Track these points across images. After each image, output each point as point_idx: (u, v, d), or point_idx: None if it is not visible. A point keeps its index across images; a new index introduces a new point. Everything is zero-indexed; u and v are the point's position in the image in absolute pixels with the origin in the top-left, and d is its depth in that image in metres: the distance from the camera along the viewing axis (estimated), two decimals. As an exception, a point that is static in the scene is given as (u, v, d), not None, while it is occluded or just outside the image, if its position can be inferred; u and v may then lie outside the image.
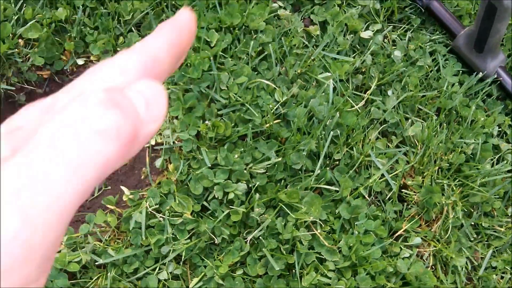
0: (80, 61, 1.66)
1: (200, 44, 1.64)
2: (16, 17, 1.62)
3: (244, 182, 1.53)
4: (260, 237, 1.49)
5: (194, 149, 1.56)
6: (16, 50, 1.62)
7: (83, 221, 1.56)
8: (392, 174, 1.63)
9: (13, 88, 1.64)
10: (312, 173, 1.55)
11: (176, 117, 1.61)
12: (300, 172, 1.56)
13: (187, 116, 1.58)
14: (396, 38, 1.84)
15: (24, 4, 1.66)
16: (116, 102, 0.33)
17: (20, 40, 1.63)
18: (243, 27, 1.71)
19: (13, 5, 1.63)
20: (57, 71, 1.68)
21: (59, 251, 1.46)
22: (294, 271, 1.50)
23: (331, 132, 1.58)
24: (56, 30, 1.65)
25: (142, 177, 1.64)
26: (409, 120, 1.73)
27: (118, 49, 1.65)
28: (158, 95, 0.36)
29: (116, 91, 0.34)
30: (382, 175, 1.63)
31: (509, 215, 1.68)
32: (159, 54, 0.39)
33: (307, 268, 1.51)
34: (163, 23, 0.41)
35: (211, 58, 1.61)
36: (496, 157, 1.73)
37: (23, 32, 1.62)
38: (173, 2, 1.70)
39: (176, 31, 0.41)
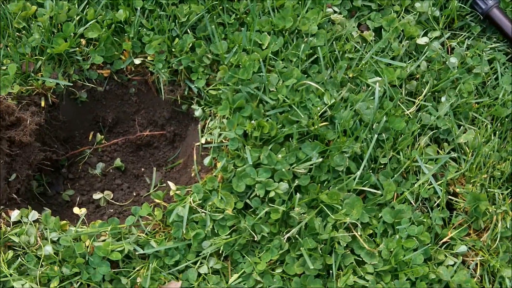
0: (137, 61, 1.73)
1: (251, 46, 1.68)
2: (78, 18, 1.72)
3: (286, 181, 1.55)
4: (299, 237, 1.51)
5: (239, 147, 1.60)
6: (78, 49, 1.71)
7: (129, 214, 1.62)
8: (441, 182, 1.60)
9: (72, 84, 1.73)
10: (355, 176, 1.55)
11: (225, 117, 1.65)
12: (343, 173, 1.56)
13: (235, 115, 1.62)
14: (455, 45, 1.81)
15: (87, 6, 1.75)
16: None
17: (82, 40, 1.72)
18: (295, 30, 1.74)
19: (76, 5, 1.73)
20: (117, 70, 1.76)
21: (103, 240, 1.53)
22: (331, 272, 1.50)
23: (376, 135, 1.57)
24: (115, 31, 1.73)
25: (193, 174, 1.69)
26: (462, 127, 1.69)
27: (172, 49, 1.71)
28: None
29: None
30: (430, 182, 1.60)
31: None
32: None
33: (345, 269, 1.51)
34: None
35: (261, 60, 1.64)
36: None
37: (85, 32, 1.71)
38: (227, 6, 1.75)
39: None
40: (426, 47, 1.79)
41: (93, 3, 1.75)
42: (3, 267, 1.44)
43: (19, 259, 1.47)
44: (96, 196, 1.75)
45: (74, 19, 1.71)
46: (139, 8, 1.73)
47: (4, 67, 1.65)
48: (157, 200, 1.61)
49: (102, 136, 1.85)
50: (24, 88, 1.65)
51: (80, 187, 1.80)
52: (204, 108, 1.72)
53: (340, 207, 1.52)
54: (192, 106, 1.75)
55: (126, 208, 1.72)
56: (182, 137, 1.85)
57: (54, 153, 1.73)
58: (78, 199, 1.76)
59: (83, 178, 1.82)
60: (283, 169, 1.53)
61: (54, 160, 1.75)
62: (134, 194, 1.78)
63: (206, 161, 1.64)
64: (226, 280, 1.54)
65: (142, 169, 1.85)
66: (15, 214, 1.52)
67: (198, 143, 1.69)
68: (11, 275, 1.43)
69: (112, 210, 1.73)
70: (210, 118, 1.71)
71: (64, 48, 1.66)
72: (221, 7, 1.75)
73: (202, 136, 1.69)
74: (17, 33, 1.72)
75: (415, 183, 1.61)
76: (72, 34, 1.70)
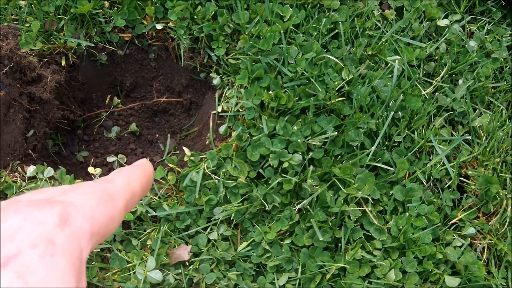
0: (159, 26, 1.74)
1: (273, 17, 1.68)
2: (102, -21, 1.73)
3: (300, 153, 1.56)
4: (310, 208, 1.52)
5: (256, 117, 1.61)
6: (101, 11, 1.71)
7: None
8: (453, 163, 1.61)
9: (93, 46, 1.74)
10: (368, 151, 1.56)
11: (243, 86, 1.66)
12: (356, 149, 1.57)
13: (253, 85, 1.62)
14: (475, 30, 1.81)
15: (112, -32, 1.76)
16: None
17: (105, 2, 1.73)
18: (318, 4, 1.74)
19: (101, -33, 1.74)
20: (138, 34, 1.76)
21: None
22: (340, 245, 1.51)
23: (392, 113, 1.58)
24: (139, -5, 1.74)
25: (207, 142, 1.70)
26: (477, 111, 1.70)
27: (195, 16, 1.71)
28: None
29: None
30: (443, 164, 1.61)
31: None
32: (135, 193, 0.56)
33: (353, 244, 1.53)
34: (133, 167, 0.60)
35: (282, 32, 1.65)
36: None
37: (108, -6, 1.72)
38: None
39: (146, 178, 0.60)
40: (446, 29, 1.79)
41: (118, -34, 1.75)
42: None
43: (33, 213, 1.49)
44: (110, 159, 1.77)
45: (98, -20, 1.72)
46: (163, -27, 1.74)
47: (28, 24, 1.66)
48: (171, 165, 1.62)
49: (119, 100, 1.86)
50: (46, 46, 1.66)
51: (94, 149, 1.81)
52: (222, 77, 1.73)
53: (352, 182, 1.53)
54: (210, 75, 1.76)
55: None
56: (198, 105, 1.85)
57: (72, 113, 1.75)
58: (92, 161, 1.77)
59: (98, 140, 1.83)
60: (298, 141, 1.54)
61: (70, 121, 1.77)
62: (149, 159, 1.79)
63: (222, 129, 1.66)
64: (235, 247, 1.56)
65: (157, 135, 1.87)
66: (30, 170, 1.53)
67: (214, 111, 1.70)
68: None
69: (125, 174, 1.75)
70: (227, 87, 1.72)
71: (87, 9, 1.67)
72: (244, -23, 1.75)
73: (218, 105, 1.70)
74: (41, -8, 1.73)
75: (428, 163, 1.61)
76: (96, -5, 1.71)
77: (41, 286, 0.40)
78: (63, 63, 1.69)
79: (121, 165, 1.76)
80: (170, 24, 1.74)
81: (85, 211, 0.47)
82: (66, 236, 0.44)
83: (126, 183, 0.55)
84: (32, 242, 0.41)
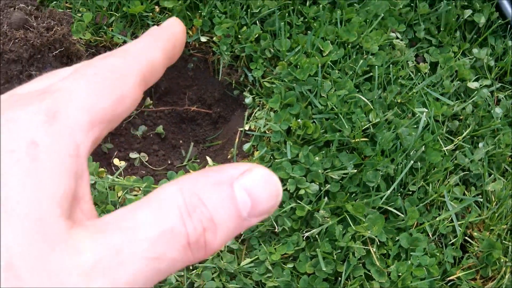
0: (203, 39, 1.80)
1: (313, 50, 1.75)
2: (159, -15, 1.80)
3: (318, 184, 1.61)
4: (317, 238, 1.57)
5: (281, 141, 1.66)
6: (151, 14, 1.78)
7: (159, 178, 1.69)
8: (461, 222, 1.66)
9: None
10: (383, 194, 1.61)
11: (274, 110, 1.72)
12: (372, 190, 1.62)
13: (283, 111, 1.68)
14: (502, 97, 1.88)
15: (169, -24, 1.83)
16: (193, 211, 0.36)
17: (156, 7, 1.79)
18: (357, 45, 1.81)
19: (158, -26, 1.81)
20: (181, 42, 1.82)
21: (135, 195, 1.59)
22: (340, 279, 1.56)
23: (412, 162, 1.63)
24: (189, 6, 1.81)
25: (229, 156, 1.75)
26: (492, 176, 1.75)
27: (239, 36, 1.78)
28: (272, 193, 0.38)
29: (195, 197, 0.37)
30: (451, 220, 1.66)
31: None
32: (155, 62, 0.45)
33: (353, 280, 1.57)
34: (159, 30, 0.47)
35: (320, 65, 1.71)
36: None
37: (161, 0, 1.78)
38: (298, 8, 1.82)
39: (171, 41, 0.47)
40: (475, 92, 1.85)
41: (175, -25, 1.83)
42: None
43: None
44: (133, 155, 1.82)
45: (154, -15, 1.79)
46: (217, -10, 1.81)
47: (80, 14, 1.73)
48: (191, 171, 1.67)
49: (151, 101, 1.92)
50: (94, 38, 1.73)
51: (119, 143, 1.86)
52: (255, 97, 1.79)
53: (363, 220, 1.58)
54: (243, 93, 1.82)
55: (158, 173, 1.79)
56: (226, 120, 1.91)
57: (105, 105, 1.80)
58: (115, 154, 1.83)
59: (124, 136, 1.88)
60: (318, 171, 1.60)
61: (102, 112, 1.82)
62: (169, 162, 1.85)
63: (246, 147, 1.71)
64: (238, 261, 1.60)
65: (181, 141, 1.92)
66: (58, 151, 1.58)
67: (241, 128, 1.75)
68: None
69: (144, 172, 1.80)
70: (258, 108, 1.77)
71: (139, 10, 1.74)
72: (292, 7, 1.82)
73: (246, 123, 1.75)
74: (98, -14, 1.80)
75: (437, 217, 1.66)
76: (149, -1, 1.78)
77: (18, 195, 0.33)
78: (107, 56, 1.75)
79: (142, 163, 1.81)
80: (215, 39, 1.81)
81: (80, 99, 0.39)
82: (54, 134, 0.37)
83: (141, 52, 0.44)
84: (10, 148, 0.35)
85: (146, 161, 1.82)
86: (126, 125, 1.89)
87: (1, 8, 1.45)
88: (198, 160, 1.84)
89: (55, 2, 1.75)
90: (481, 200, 1.71)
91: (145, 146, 1.88)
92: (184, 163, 1.82)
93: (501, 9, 1.96)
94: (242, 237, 1.60)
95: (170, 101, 1.94)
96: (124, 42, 1.76)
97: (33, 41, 1.42)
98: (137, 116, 1.90)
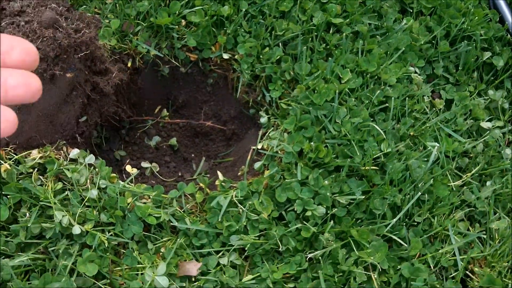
0: (226, 56, 1.84)
1: (332, 77, 1.78)
2: (186, 0, 1.84)
3: (325, 207, 1.63)
4: (320, 260, 1.58)
5: (292, 162, 1.69)
6: (177, 27, 1.82)
7: (169, 189, 1.71)
8: (463, 257, 1.67)
9: (160, 56, 1.84)
10: (388, 222, 1.63)
11: (288, 131, 1.75)
12: (378, 217, 1.64)
13: (297, 133, 1.71)
14: (513, 140, 1.90)
15: (198, -7, 1.87)
16: None
17: (183, 20, 1.84)
18: (376, 76, 1.84)
19: (187, -11, 1.86)
20: (204, 58, 1.87)
21: (144, 203, 1.62)
22: (339, 302, 1.57)
23: (419, 194, 1.65)
24: (215, 22, 1.85)
25: (239, 173, 1.78)
26: (497, 214, 1.77)
27: (260, 56, 1.82)
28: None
29: None
30: (453, 254, 1.68)
31: None
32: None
33: (352, 304, 1.58)
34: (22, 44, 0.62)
35: (337, 92, 1.74)
36: None
37: (188, 15, 1.83)
38: (322, 35, 1.86)
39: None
40: (488, 131, 1.87)
41: (204, -7, 1.87)
42: (50, 194, 1.53)
43: (66, 192, 1.56)
44: (145, 164, 1.85)
45: (183, 0, 1.84)
46: (243, 10, 1.84)
47: (108, 21, 1.77)
48: (201, 184, 1.70)
49: (167, 113, 1.95)
50: (119, 45, 1.77)
51: (132, 152, 1.90)
52: (270, 118, 1.82)
53: (367, 246, 1.59)
54: (259, 112, 1.85)
55: (167, 183, 1.81)
56: (239, 137, 1.94)
57: (123, 112, 1.84)
58: (127, 162, 1.85)
59: (137, 144, 1.92)
60: (327, 194, 1.62)
61: (119, 119, 1.86)
62: (179, 175, 1.87)
63: (257, 165, 1.74)
64: (240, 277, 1.62)
65: (193, 155, 1.95)
66: (74, 152, 1.61)
67: (254, 147, 1.78)
68: (55, 203, 1.52)
69: (154, 182, 1.83)
70: (272, 128, 1.80)
71: (165, 22, 1.78)
72: (316, 33, 1.86)
73: (259, 142, 1.78)
74: (128, -5, 1.84)
75: (440, 249, 1.68)
76: (176, 12, 1.81)
77: None
78: (129, 64, 1.79)
79: (153, 173, 1.84)
80: (236, 57, 1.84)
81: None
82: None
83: None
84: None
85: (157, 171, 1.84)
86: (141, 134, 1.92)
87: (34, 6, 1.49)
88: (208, 175, 1.87)
89: (84, 6, 1.80)
90: (485, 236, 1.72)
91: (157, 156, 1.91)
92: (194, 177, 1.85)
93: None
94: (246, 253, 1.62)
95: (186, 114, 1.97)
96: (148, 52, 1.80)
97: (61, 41, 1.46)
98: (152, 126, 1.93)
